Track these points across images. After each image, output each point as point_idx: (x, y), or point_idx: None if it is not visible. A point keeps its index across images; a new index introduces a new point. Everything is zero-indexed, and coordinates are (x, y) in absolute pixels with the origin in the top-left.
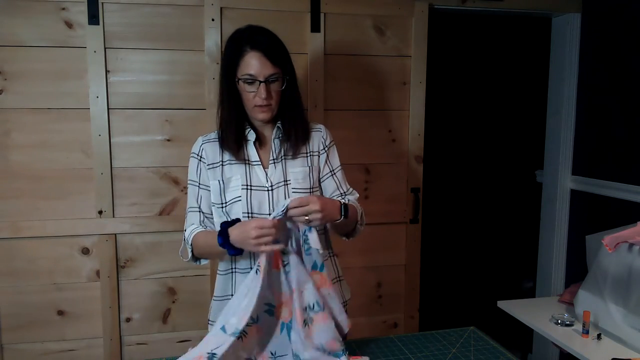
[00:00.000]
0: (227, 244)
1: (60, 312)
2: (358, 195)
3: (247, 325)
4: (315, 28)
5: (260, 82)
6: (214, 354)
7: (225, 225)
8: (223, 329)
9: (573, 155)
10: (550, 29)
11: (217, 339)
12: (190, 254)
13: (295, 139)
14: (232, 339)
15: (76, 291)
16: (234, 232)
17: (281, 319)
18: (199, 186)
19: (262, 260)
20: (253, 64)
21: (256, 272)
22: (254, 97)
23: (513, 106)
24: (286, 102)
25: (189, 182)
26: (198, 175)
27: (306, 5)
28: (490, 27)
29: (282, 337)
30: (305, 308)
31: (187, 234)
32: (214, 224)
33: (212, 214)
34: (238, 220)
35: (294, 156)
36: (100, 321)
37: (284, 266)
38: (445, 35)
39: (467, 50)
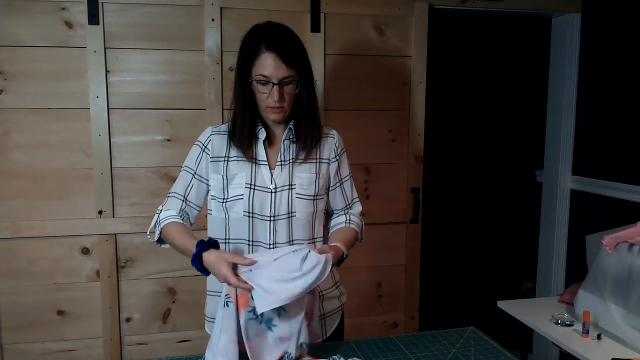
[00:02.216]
0: (200, 267)
1: (60, 312)
2: (361, 208)
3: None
4: (315, 28)
5: (274, 84)
6: None
7: (201, 250)
8: None
9: (573, 155)
10: (550, 29)
11: None
12: (157, 236)
13: (305, 143)
14: None
15: (76, 291)
16: (208, 258)
17: None
18: (193, 175)
19: (232, 292)
20: (267, 64)
21: (226, 304)
22: (267, 98)
23: (513, 106)
24: (301, 104)
25: (183, 167)
26: (196, 164)
27: (306, 5)
28: (490, 27)
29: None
30: (283, 356)
31: (162, 216)
32: (193, 217)
33: (198, 205)
34: (215, 243)
35: (304, 160)
36: (100, 321)
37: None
38: (445, 35)
39: (467, 50)
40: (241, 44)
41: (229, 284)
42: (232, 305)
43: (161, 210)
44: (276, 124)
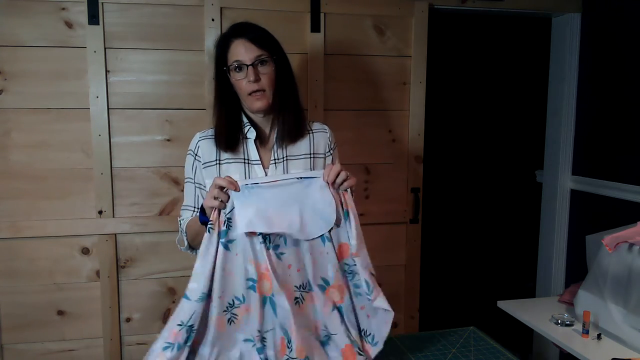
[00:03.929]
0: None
1: (60, 312)
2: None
3: (236, 306)
4: (315, 28)
5: (248, 65)
6: (191, 325)
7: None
8: (186, 296)
9: (573, 155)
10: (550, 29)
11: (185, 309)
12: (185, 242)
13: (283, 124)
14: (200, 304)
15: (76, 291)
16: None
17: (263, 292)
18: (194, 184)
19: (215, 219)
20: (239, 50)
21: (209, 231)
22: (245, 84)
23: (513, 106)
24: (279, 87)
25: (185, 179)
26: (193, 173)
27: (306, 5)
28: (490, 27)
29: (266, 311)
30: (299, 286)
31: (182, 224)
32: None
33: None
34: None
35: (298, 157)
36: (100, 321)
37: (270, 241)
38: (445, 35)
39: (467, 50)
40: (214, 47)
41: (219, 186)
42: (213, 233)
43: (180, 222)
44: (262, 119)
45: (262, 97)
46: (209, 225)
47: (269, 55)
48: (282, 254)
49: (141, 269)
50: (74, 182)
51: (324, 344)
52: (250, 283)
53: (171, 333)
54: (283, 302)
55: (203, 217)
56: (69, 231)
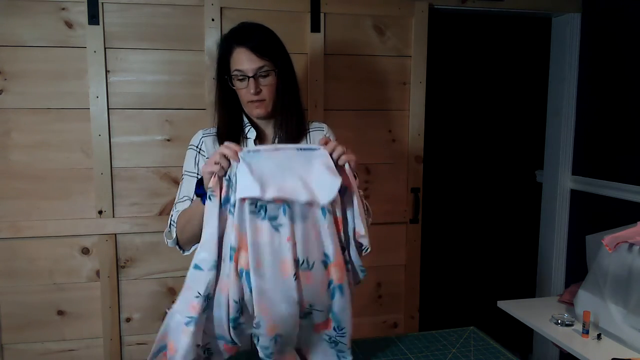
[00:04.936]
0: (201, 187)
1: (60, 312)
2: (362, 192)
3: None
4: (315, 28)
5: (249, 77)
6: (207, 295)
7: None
8: (197, 267)
9: (573, 155)
10: (550, 29)
11: (200, 279)
12: (174, 234)
13: (288, 136)
14: (213, 272)
15: (76, 291)
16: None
17: (240, 265)
18: (197, 177)
19: (216, 186)
20: (241, 59)
21: (210, 198)
22: (245, 93)
23: (513, 106)
24: (280, 94)
25: (185, 173)
26: (196, 167)
27: (306, 5)
28: (490, 27)
29: (243, 281)
30: (298, 261)
31: (173, 217)
32: None
33: None
34: None
35: (291, 143)
36: (100, 321)
37: (261, 210)
38: (445, 35)
39: (467, 50)
40: (217, 46)
41: (223, 154)
42: (214, 199)
43: (172, 216)
44: (263, 120)
45: (261, 105)
46: (208, 193)
47: (271, 66)
48: (280, 225)
49: (141, 269)
50: (74, 182)
51: (301, 317)
52: (231, 252)
53: (190, 306)
54: (254, 282)
55: (200, 189)
56: (69, 231)
